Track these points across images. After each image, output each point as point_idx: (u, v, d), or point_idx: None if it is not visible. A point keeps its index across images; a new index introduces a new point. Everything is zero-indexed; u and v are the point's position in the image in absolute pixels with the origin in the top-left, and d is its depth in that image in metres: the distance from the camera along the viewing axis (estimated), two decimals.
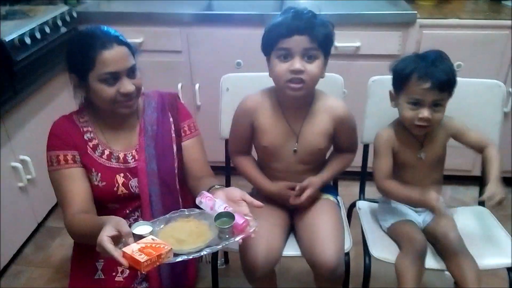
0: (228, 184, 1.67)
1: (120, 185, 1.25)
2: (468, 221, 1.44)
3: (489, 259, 1.29)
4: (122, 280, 1.24)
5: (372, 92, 1.50)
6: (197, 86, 2.26)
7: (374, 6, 2.27)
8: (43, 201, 2.20)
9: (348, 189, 1.82)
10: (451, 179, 2.24)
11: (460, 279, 1.22)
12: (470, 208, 1.53)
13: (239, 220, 1.05)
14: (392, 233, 1.35)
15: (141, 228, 1.01)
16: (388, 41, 2.08)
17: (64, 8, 2.19)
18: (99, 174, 1.24)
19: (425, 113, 1.23)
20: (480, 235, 1.38)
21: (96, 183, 1.24)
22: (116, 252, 0.93)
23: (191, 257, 1.00)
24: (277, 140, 1.33)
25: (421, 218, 1.38)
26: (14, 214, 1.94)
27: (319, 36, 1.19)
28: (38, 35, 1.90)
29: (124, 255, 0.92)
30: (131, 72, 1.19)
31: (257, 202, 1.12)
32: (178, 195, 1.32)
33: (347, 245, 1.32)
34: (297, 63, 1.19)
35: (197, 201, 1.12)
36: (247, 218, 1.07)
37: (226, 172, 1.67)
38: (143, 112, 1.31)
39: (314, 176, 1.36)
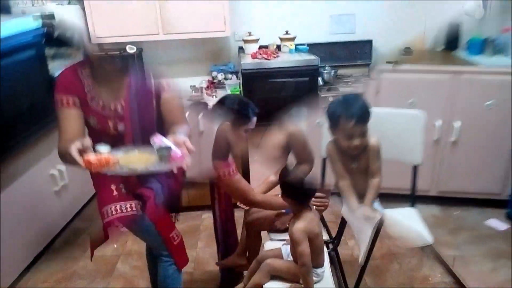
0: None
1: (111, 128, 1.57)
2: (400, 216, 1.87)
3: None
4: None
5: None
6: (200, 115, 2.76)
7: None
8: (73, 204, 2.66)
9: None
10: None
11: None
12: (404, 209, 1.97)
13: (176, 153, 1.30)
14: None
15: (102, 147, 1.31)
16: None
17: None
18: (95, 118, 1.56)
19: (356, 142, 1.63)
20: (404, 225, 1.81)
21: (93, 126, 1.57)
22: (78, 157, 1.26)
23: (133, 172, 1.33)
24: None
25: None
26: (49, 213, 2.40)
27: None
28: None
29: (84, 160, 1.26)
30: None
31: (192, 148, 1.34)
32: None
33: None
34: None
35: (150, 141, 1.35)
36: (185, 154, 1.31)
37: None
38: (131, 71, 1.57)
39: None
